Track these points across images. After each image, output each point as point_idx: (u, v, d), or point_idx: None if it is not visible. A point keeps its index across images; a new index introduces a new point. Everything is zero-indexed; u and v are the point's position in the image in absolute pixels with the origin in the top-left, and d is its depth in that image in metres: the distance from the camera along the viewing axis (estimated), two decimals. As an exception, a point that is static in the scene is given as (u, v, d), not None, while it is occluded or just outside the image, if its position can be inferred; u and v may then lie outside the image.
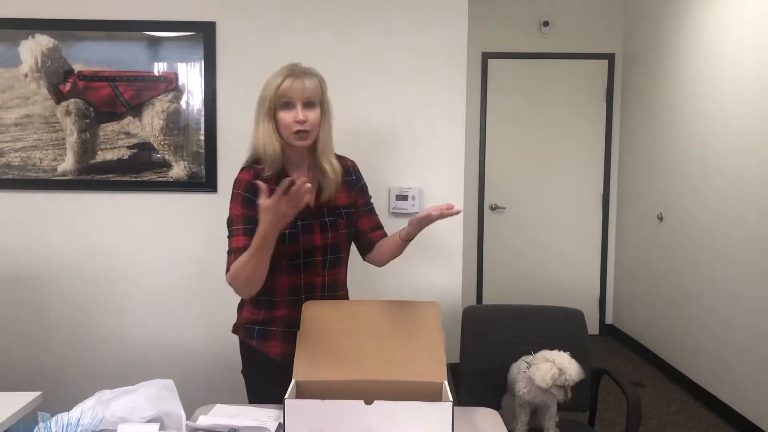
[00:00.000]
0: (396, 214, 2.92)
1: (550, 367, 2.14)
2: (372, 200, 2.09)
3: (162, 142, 2.91)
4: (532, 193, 5.49)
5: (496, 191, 5.47)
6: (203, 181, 2.92)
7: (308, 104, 1.82)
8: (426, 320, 1.96)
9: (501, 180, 5.46)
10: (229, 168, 2.83)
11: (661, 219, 4.59)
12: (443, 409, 1.65)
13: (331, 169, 1.89)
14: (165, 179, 2.93)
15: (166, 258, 2.97)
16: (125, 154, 2.92)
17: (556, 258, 5.54)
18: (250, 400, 1.99)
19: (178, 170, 2.93)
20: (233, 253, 1.81)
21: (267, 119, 1.83)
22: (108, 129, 2.91)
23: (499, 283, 5.52)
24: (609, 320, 5.60)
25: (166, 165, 2.93)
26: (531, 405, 2.24)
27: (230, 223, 1.87)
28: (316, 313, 1.87)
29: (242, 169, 1.92)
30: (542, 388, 2.15)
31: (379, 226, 2.08)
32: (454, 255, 2.96)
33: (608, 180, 5.48)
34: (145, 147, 2.92)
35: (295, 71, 1.82)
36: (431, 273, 2.96)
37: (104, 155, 2.92)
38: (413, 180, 2.93)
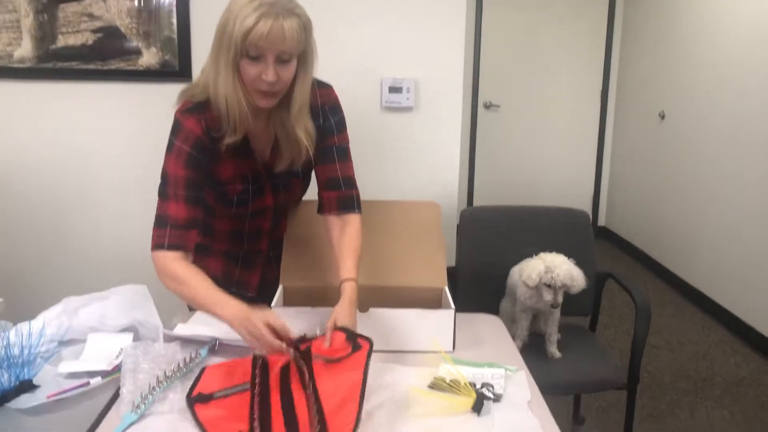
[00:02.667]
0: (388, 109, 2.70)
1: (538, 264, 2.00)
2: (344, 142, 1.61)
3: (129, 26, 2.63)
4: (528, 90, 5.24)
5: (491, 88, 5.20)
6: (176, 70, 2.68)
7: (283, 57, 1.35)
8: (424, 222, 1.81)
9: (496, 77, 5.18)
10: (204, 55, 2.56)
11: (662, 117, 4.40)
12: (445, 316, 1.52)
13: (306, 136, 1.49)
14: (135, 68, 2.69)
15: (138, 153, 2.75)
16: (89, 39, 2.64)
17: (551, 158, 5.37)
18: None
19: (149, 58, 2.67)
20: (169, 225, 1.46)
21: (231, 69, 1.36)
22: (68, 10, 2.61)
23: (491, 183, 5.36)
24: (602, 222, 5.51)
25: (136, 52, 2.67)
26: (533, 310, 2.13)
27: (165, 180, 1.47)
28: (304, 213, 1.70)
29: (187, 111, 1.45)
30: (530, 286, 2.03)
31: (334, 185, 1.59)
32: (451, 153, 2.78)
33: (608, 76, 5.23)
34: (111, 31, 2.65)
35: (275, 8, 1.30)
36: (426, 170, 2.79)
37: (66, 40, 2.64)
38: (408, 70, 2.69)
